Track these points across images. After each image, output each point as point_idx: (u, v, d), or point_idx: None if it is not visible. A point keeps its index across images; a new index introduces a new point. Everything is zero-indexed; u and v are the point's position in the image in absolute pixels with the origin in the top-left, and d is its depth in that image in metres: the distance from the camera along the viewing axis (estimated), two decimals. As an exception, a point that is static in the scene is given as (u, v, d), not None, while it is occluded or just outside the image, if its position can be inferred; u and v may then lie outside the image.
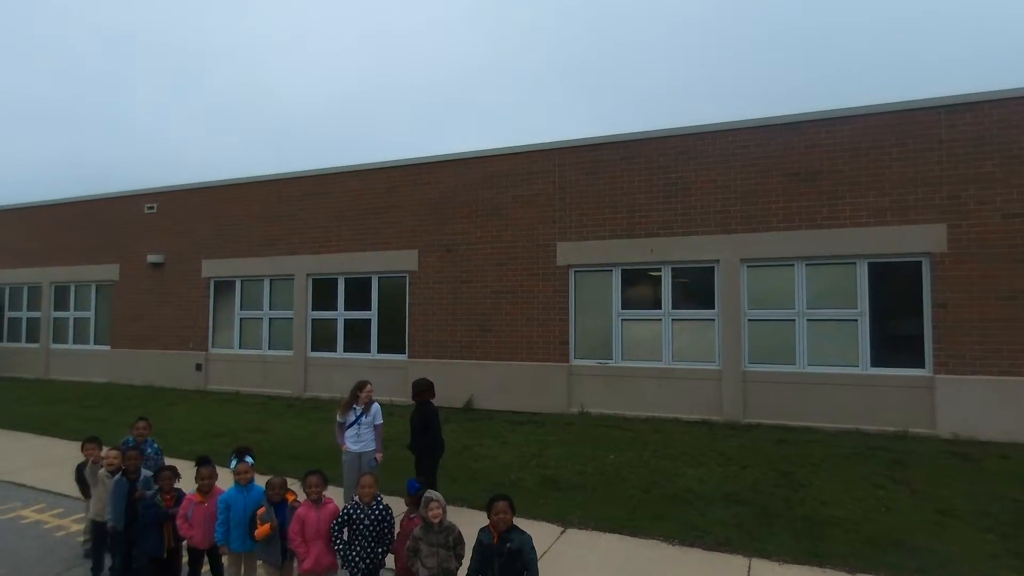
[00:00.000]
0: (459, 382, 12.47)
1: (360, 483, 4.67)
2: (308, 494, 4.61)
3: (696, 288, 11.39)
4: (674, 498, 7.23)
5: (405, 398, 12.62)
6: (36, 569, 5.58)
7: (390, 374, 13.32)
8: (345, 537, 4.55)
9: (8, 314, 19.59)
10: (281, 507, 4.65)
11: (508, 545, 4.01)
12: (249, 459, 5.02)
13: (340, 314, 14.37)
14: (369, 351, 13.97)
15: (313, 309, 14.69)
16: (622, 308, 11.83)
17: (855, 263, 10.36)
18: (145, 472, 5.35)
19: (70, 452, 9.66)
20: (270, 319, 15.27)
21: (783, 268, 10.80)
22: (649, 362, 11.53)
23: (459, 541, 4.27)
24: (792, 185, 10.66)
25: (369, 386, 6.92)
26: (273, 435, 10.67)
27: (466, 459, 8.92)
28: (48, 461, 9.15)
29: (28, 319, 19.17)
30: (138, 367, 16.61)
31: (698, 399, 11.04)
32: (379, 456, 6.81)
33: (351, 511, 4.60)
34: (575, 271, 12.17)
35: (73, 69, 62.09)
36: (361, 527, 4.53)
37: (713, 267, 11.20)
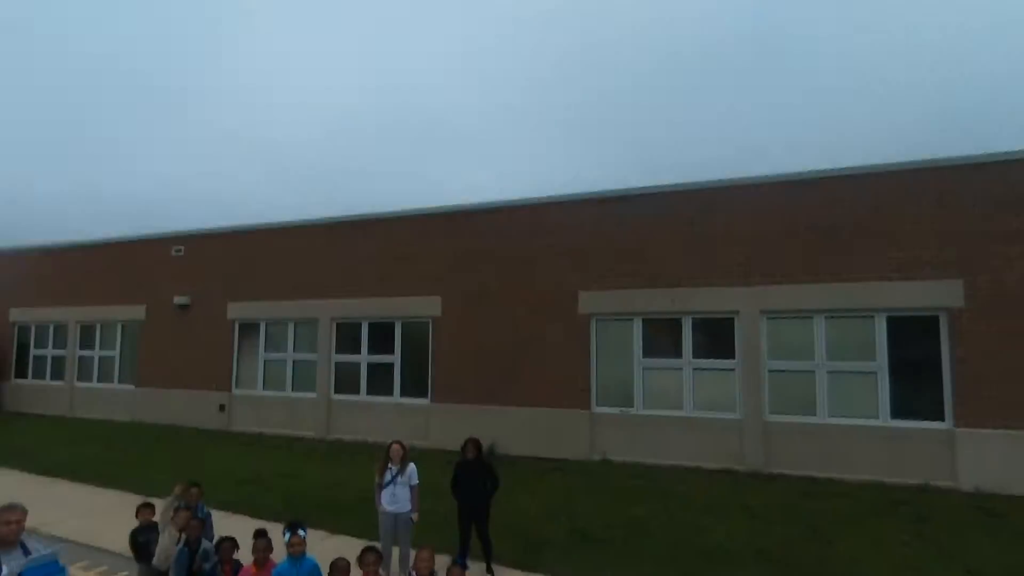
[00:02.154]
0: (481, 428, 12.53)
1: (418, 556, 4.86)
2: (365, 573, 4.81)
3: (717, 338, 11.61)
4: (704, 555, 7.36)
5: (427, 442, 12.87)
6: (93, 633, 5.76)
7: (413, 418, 13.54)
8: None
9: (34, 352, 19.96)
10: None
11: None
12: (301, 532, 5.23)
13: (364, 357, 14.65)
14: (392, 394, 14.20)
15: (337, 352, 14.97)
16: (644, 356, 12.06)
17: (873, 316, 10.59)
18: (206, 543, 5.58)
19: (105, 501, 9.87)
20: (294, 361, 15.55)
21: (803, 320, 11.04)
22: (671, 410, 11.71)
23: None
24: (812, 239, 10.96)
25: (395, 444, 7.01)
26: (302, 481, 10.83)
27: (496, 511, 9.03)
28: (86, 512, 9.26)
29: (53, 357, 19.53)
30: (162, 406, 16.87)
31: (720, 448, 11.18)
32: (415, 516, 6.95)
33: None
34: (597, 319, 12.44)
35: (57, 102, 63.19)
36: None
37: (733, 318, 11.45)
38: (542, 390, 12.60)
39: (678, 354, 11.83)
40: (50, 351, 19.60)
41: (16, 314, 20.21)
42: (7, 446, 13.91)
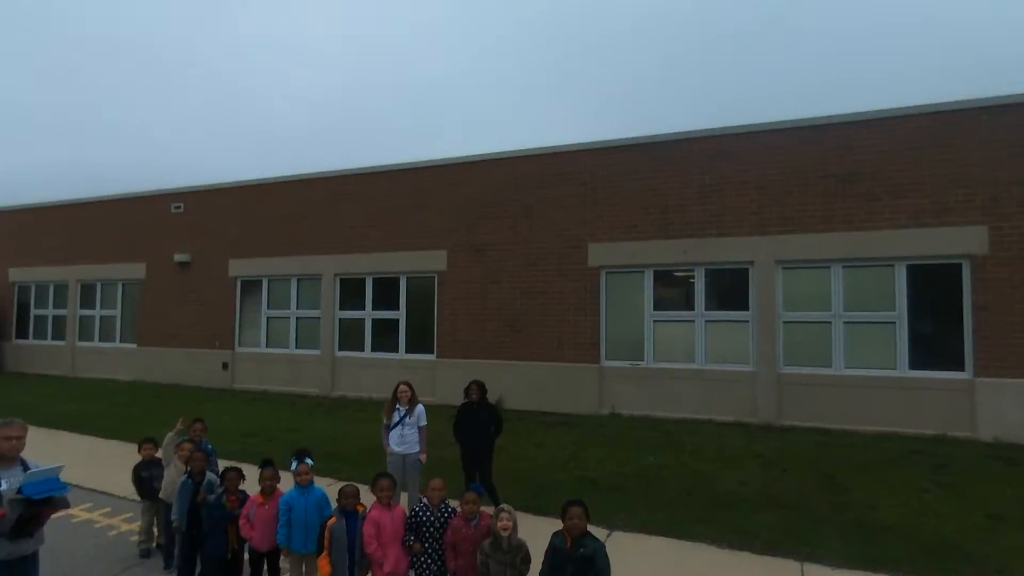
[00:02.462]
0: (488, 383, 12.33)
1: (430, 485, 4.66)
2: (379, 498, 4.61)
3: (730, 290, 11.33)
4: (717, 501, 7.20)
5: (433, 398, 12.70)
6: (94, 569, 5.62)
7: (418, 374, 13.33)
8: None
9: (35, 311, 19.77)
10: (352, 516, 4.64)
11: (581, 551, 3.97)
12: (309, 460, 5.05)
13: (368, 314, 14.41)
14: (397, 351, 14.00)
15: (341, 309, 14.73)
16: (654, 309, 11.79)
17: (893, 265, 10.28)
18: (210, 475, 5.38)
19: (108, 450, 9.77)
20: (297, 318, 15.33)
21: (819, 270, 10.73)
22: (682, 363, 11.49)
23: (526, 560, 4.14)
24: (829, 187, 10.59)
25: (403, 385, 6.83)
26: (306, 434, 10.70)
27: (504, 460, 8.89)
28: (89, 460, 9.21)
29: (54, 316, 19.35)
30: (165, 365, 16.73)
31: (732, 401, 10.99)
32: (423, 458, 6.78)
33: (419, 514, 4.60)
34: (607, 272, 12.14)
35: (54, 73, 62.42)
36: (431, 530, 4.53)
37: (748, 269, 11.14)
38: (550, 344, 12.38)
39: (690, 306, 11.56)
40: (51, 311, 19.41)
41: (16, 274, 19.97)
42: (8, 403, 13.79)
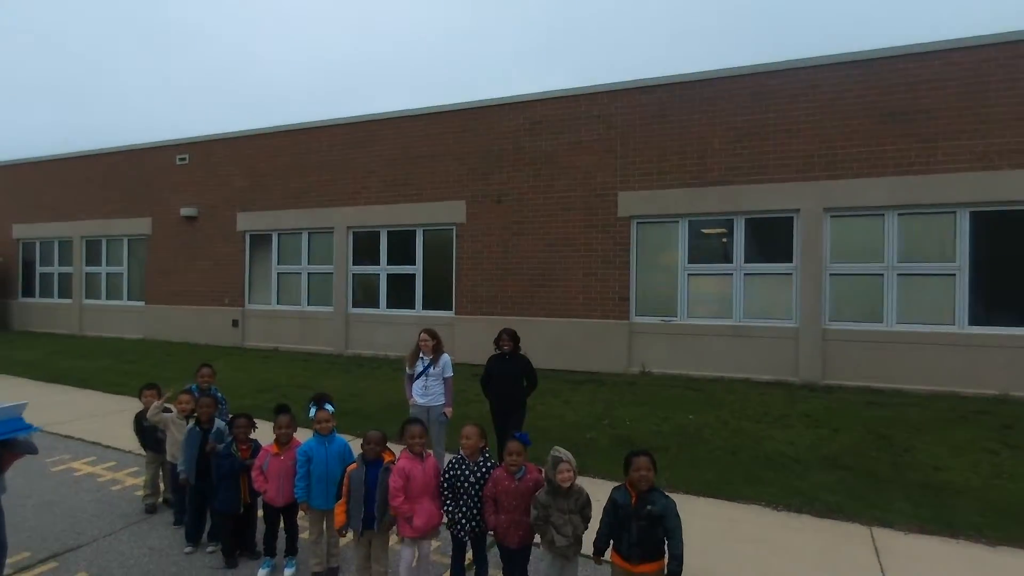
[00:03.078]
0: (510, 340, 11.86)
1: (462, 433, 4.06)
2: (410, 446, 4.01)
3: (772, 240, 10.55)
4: (766, 461, 6.64)
5: (452, 357, 12.08)
6: (96, 524, 5.12)
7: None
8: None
9: (40, 269, 19.28)
10: (375, 466, 4.05)
11: (649, 508, 3.40)
12: (329, 407, 4.45)
13: (383, 268, 13.75)
14: (414, 307, 13.38)
15: (354, 263, 14.08)
16: (689, 262, 11.05)
17: (955, 212, 9.45)
18: (219, 422, 4.81)
19: (115, 405, 9.30)
20: (309, 274, 14.71)
21: (871, 218, 9.92)
22: (718, 319, 10.81)
23: (587, 503, 3.70)
24: (883, 126, 9.70)
25: (423, 334, 6.26)
26: (321, 391, 10.19)
27: (532, 418, 8.29)
28: (93, 414, 8.77)
29: (60, 274, 18.85)
30: (173, 323, 16.23)
31: (772, 359, 10.32)
32: (448, 411, 6.22)
33: (456, 467, 4.01)
34: (637, 222, 11.37)
35: (49, 38, 61.29)
36: (466, 485, 3.95)
37: (792, 217, 10.34)
38: (576, 300, 11.70)
39: (728, 259, 10.81)
40: (56, 268, 18.90)
41: (20, 230, 19.43)
42: (14, 359, 13.39)
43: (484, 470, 3.97)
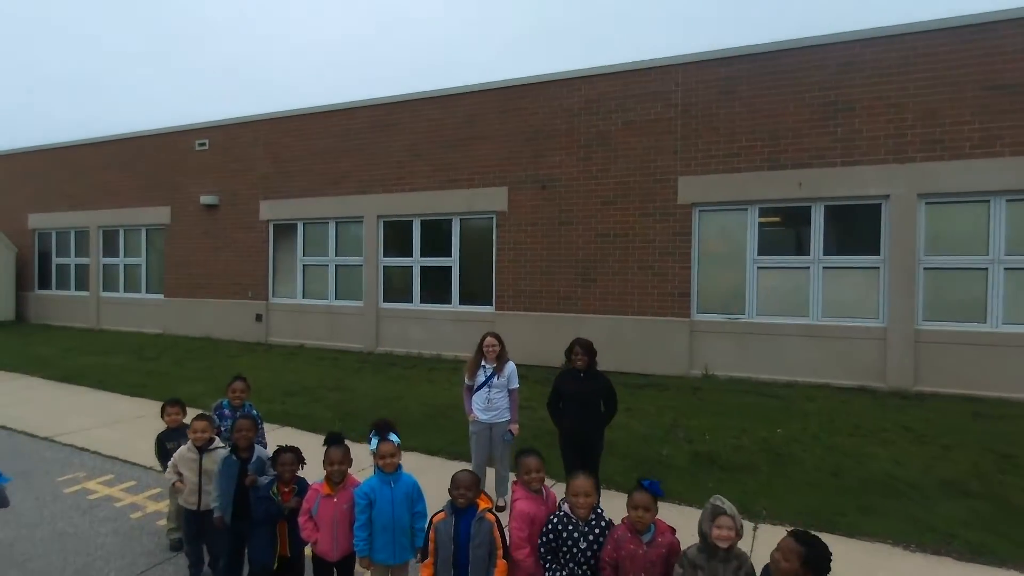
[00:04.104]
0: (556, 338, 10.78)
1: (573, 488, 3.13)
2: (527, 482, 3.15)
3: (857, 230, 9.47)
4: (876, 486, 5.69)
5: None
6: (115, 564, 4.28)
7: (473, 329, 11.73)
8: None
9: (56, 260, 18.62)
10: (467, 515, 3.15)
11: None
12: (394, 437, 3.51)
13: (416, 261, 12.82)
14: (450, 302, 12.46)
15: (385, 255, 13.17)
16: (759, 254, 10.01)
17: (1075, 198, 8.34)
18: (259, 449, 3.91)
19: (135, 410, 8.48)
20: (336, 266, 13.84)
21: (975, 204, 8.81)
22: (792, 318, 9.76)
23: (752, 574, 2.77)
24: (992, 101, 8.57)
25: (489, 337, 5.36)
26: (355, 393, 9.37)
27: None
28: (112, 420, 7.96)
29: (77, 266, 18.16)
30: (194, 317, 15.47)
31: (854, 362, 9.28)
32: (515, 428, 5.32)
33: (561, 527, 3.10)
34: (700, 210, 10.34)
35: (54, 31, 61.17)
36: (575, 551, 3.05)
37: (880, 204, 9.25)
38: (629, 295, 10.71)
39: (804, 251, 9.75)
40: (73, 259, 18.21)
41: (36, 220, 18.76)
42: (28, 355, 12.70)
43: (598, 532, 3.07)
